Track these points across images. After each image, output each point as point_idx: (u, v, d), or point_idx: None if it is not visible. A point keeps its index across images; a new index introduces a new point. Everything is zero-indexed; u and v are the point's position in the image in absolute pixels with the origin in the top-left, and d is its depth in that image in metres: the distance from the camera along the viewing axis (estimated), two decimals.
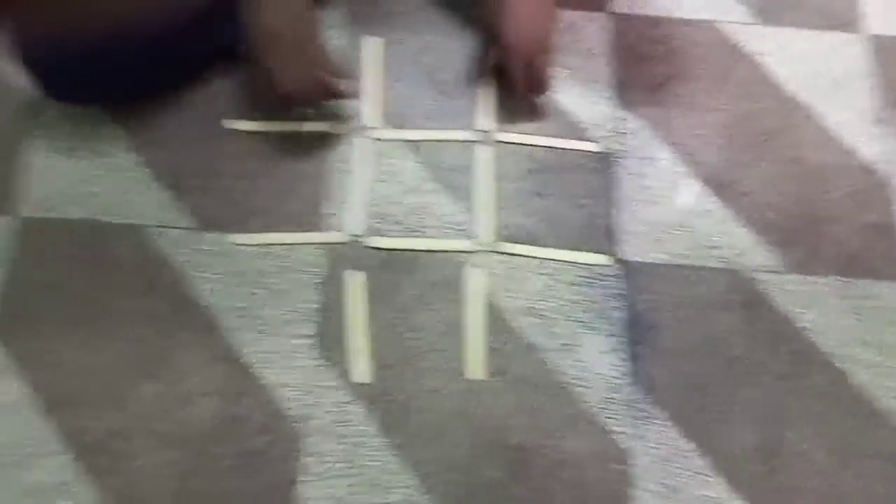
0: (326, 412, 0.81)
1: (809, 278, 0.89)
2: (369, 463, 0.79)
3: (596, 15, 1.04)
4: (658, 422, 0.82)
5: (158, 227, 0.88)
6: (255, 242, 0.88)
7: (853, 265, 0.90)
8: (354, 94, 0.93)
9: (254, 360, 0.83)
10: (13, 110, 0.93)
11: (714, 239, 0.91)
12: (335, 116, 0.94)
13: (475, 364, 0.83)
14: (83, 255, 0.87)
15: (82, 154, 0.92)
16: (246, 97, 0.95)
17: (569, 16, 1.03)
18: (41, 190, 0.90)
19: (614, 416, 0.82)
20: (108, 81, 0.89)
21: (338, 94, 0.89)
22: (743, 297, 0.88)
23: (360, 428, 0.81)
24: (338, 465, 0.79)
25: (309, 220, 0.89)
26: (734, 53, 1.02)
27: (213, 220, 0.89)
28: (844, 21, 1.05)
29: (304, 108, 0.93)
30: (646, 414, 0.82)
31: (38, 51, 0.84)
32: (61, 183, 0.90)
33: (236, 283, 0.86)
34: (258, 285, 0.86)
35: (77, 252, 0.87)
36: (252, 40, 0.85)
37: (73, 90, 0.90)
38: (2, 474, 0.78)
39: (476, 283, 0.87)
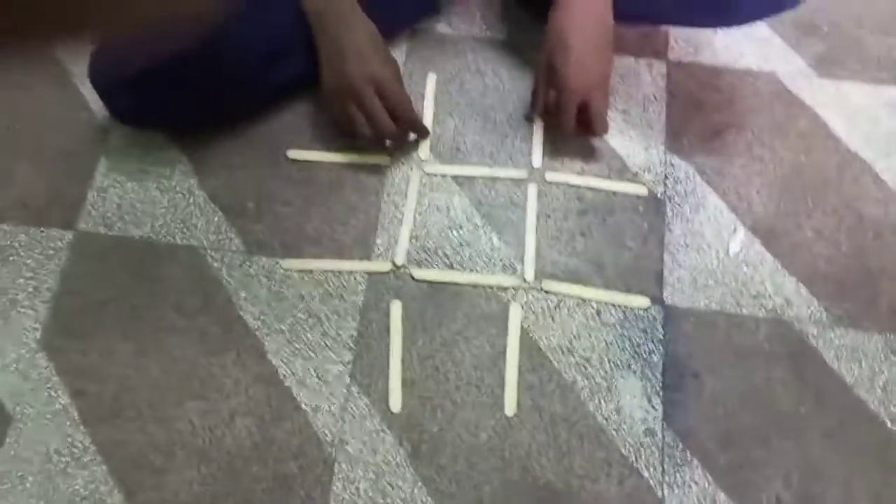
0: (359, 440, 0.82)
1: (860, 333, 0.86)
2: (398, 493, 0.79)
3: (655, 62, 1.04)
4: (693, 470, 0.80)
5: (212, 249, 0.91)
6: (302, 268, 0.90)
7: None
8: (426, 133, 0.98)
9: (293, 384, 0.84)
10: (86, 131, 0.99)
11: (762, 288, 0.89)
12: (393, 149, 0.97)
13: (511, 401, 0.83)
14: (137, 273, 0.90)
15: (145, 176, 0.96)
16: (306, 128, 0.98)
17: (628, 62, 1.04)
18: (102, 207, 0.94)
19: (647, 461, 0.80)
20: (171, 108, 0.93)
21: (418, 132, 0.97)
22: (789, 348, 0.86)
23: (391, 458, 0.81)
24: (367, 493, 0.79)
25: (357, 248, 0.91)
26: (793, 104, 1.01)
27: (265, 244, 0.92)
28: None
29: (379, 146, 0.97)
30: (680, 461, 0.80)
31: (105, 74, 0.89)
32: (122, 202, 0.94)
33: (283, 306, 0.88)
34: (303, 310, 0.88)
35: (131, 269, 0.90)
36: (329, 88, 0.91)
37: (136, 114, 0.94)
38: (39, 482, 0.80)
39: (516, 320, 0.87)
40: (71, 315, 0.88)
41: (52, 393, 0.84)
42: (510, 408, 0.83)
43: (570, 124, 0.91)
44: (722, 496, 0.79)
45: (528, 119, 0.99)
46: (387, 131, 0.91)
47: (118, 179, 0.96)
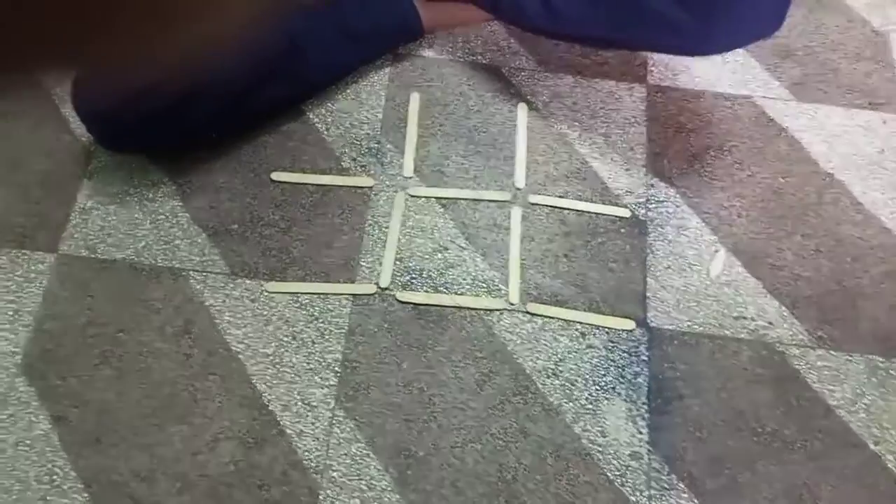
0: (344, 464, 0.81)
1: (842, 355, 0.87)
2: None
3: (635, 86, 1.06)
4: (679, 494, 0.80)
5: (195, 271, 0.91)
6: (287, 291, 0.90)
7: (888, 344, 0.88)
8: None
9: (278, 408, 0.84)
10: (68, 154, 0.98)
11: (744, 310, 0.90)
12: (374, 172, 0.97)
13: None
14: (120, 296, 0.89)
15: (128, 198, 0.95)
16: (289, 150, 0.98)
17: (608, 86, 1.05)
18: (84, 230, 0.93)
19: (634, 485, 0.80)
20: (156, 133, 0.92)
21: None
22: (772, 370, 0.86)
23: (376, 483, 0.80)
24: None
25: (341, 271, 0.91)
26: (771, 128, 1.03)
27: (249, 266, 0.91)
28: (880, 100, 1.05)
29: None
30: (666, 485, 0.81)
31: (90, 102, 0.89)
32: (105, 224, 0.93)
33: (267, 330, 0.88)
34: (287, 333, 0.87)
35: (113, 292, 0.89)
36: None
37: (124, 141, 0.94)
38: None
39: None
40: (52, 339, 0.87)
41: (33, 419, 0.82)
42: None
43: None
44: None
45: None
46: None
47: (101, 202, 0.95)
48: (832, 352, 0.87)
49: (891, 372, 0.86)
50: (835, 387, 0.85)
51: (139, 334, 0.87)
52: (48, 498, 0.79)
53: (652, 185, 0.98)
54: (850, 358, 0.87)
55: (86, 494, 0.79)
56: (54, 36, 0.21)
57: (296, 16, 0.90)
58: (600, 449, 0.82)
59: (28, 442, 0.81)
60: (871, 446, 0.83)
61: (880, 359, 0.87)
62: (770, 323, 0.89)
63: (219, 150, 0.98)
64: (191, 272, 0.91)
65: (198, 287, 0.90)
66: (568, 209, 0.96)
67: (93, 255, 0.91)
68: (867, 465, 0.82)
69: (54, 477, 0.80)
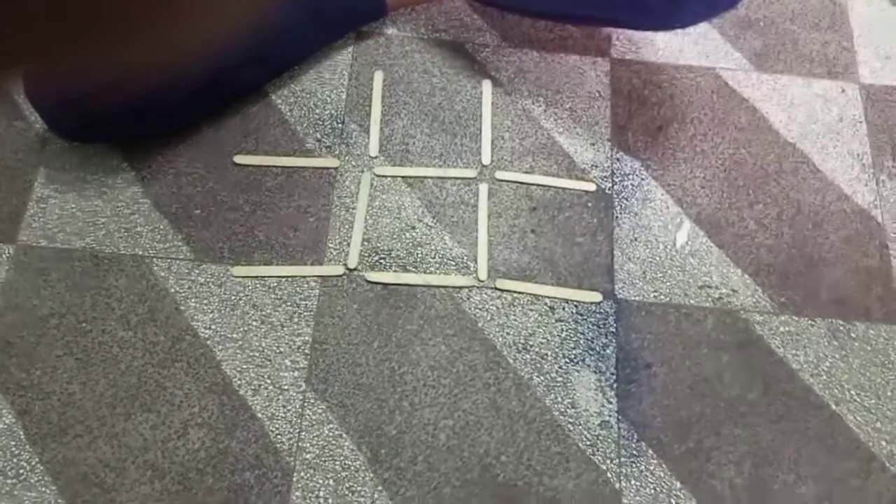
0: (317, 446, 0.81)
1: (804, 320, 0.89)
2: (357, 498, 0.79)
3: (598, 60, 1.06)
4: (648, 460, 0.82)
5: (159, 257, 0.89)
6: (254, 275, 0.89)
7: (848, 308, 0.90)
8: None
9: (247, 392, 0.83)
10: (23, 142, 0.96)
11: (708, 279, 0.91)
12: (339, 153, 0.96)
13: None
14: (81, 285, 0.88)
15: (86, 185, 0.93)
16: (252, 132, 0.97)
17: (572, 60, 1.05)
18: (42, 219, 0.91)
19: (604, 454, 0.82)
20: (115, 123, 0.90)
21: None
22: (736, 337, 0.88)
23: (350, 463, 0.80)
24: (326, 500, 0.79)
25: (308, 253, 0.91)
26: (732, 99, 1.04)
27: (214, 251, 0.90)
28: (838, 70, 1.06)
29: None
30: (636, 452, 0.82)
31: (45, 93, 0.86)
32: (63, 213, 0.92)
33: (234, 314, 0.87)
34: (255, 318, 0.87)
35: (74, 281, 0.88)
36: None
37: (78, 131, 0.91)
38: None
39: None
40: (13, 331, 0.85)
41: None
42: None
43: None
44: (677, 485, 0.81)
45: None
46: None
47: (58, 189, 0.93)
48: (794, 317, 0.89)
49: (851, 334, 0.88)
50: (797, 351, 0.87)
51: (102, 323, 0.86)
52: (15, 492, 0.78)
53: (617, 159, 0.98)
54: (812, 322, 0.89)
55: (53, 487, 0.78)
56: (30, 31, 0.20)
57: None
58: (571, 420, 0.83)
59: None
60: (833, 406, 0.85)
61: (841, 322, 0.89)
62: (734, 291, 0.90)
63: (179, 134, 0.96)
64: (154, 259, 0.89)
65: (162, 274, 0.89)
66: (534, 184, 0.96)
67: (52, 245, 0.90)
68: (829, 424, 0.84)
69: (20, 470, 0.79)
